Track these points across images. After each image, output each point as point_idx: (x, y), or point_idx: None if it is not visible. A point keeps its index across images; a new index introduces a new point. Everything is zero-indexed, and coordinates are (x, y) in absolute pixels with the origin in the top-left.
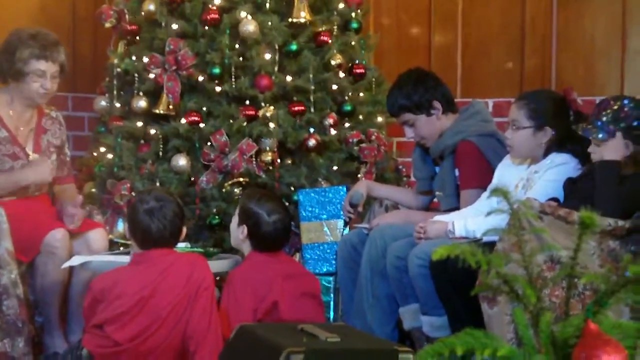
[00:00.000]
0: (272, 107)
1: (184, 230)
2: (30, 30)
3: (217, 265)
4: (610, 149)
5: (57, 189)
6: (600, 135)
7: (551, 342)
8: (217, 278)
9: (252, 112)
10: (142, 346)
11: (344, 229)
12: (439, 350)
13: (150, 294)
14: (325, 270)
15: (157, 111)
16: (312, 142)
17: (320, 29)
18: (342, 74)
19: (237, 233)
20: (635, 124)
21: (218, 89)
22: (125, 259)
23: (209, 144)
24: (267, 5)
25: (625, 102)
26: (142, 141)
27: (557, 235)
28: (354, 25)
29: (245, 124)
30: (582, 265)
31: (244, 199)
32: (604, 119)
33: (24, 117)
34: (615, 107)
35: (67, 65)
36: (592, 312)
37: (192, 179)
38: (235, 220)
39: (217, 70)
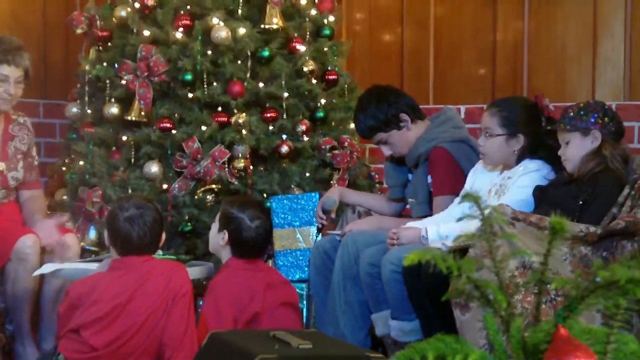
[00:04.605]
0: (244, 114)
1: (163, 236)
2: None
3: (190, 272)
4: (574, 146)
5: (25, 195)
6: (568, 127)
7: (522, 348)
8: None
9: (224, 119)
10: (118, 352)
11: (316, 236)
12: (409, 356)
13: (127, 299)
14: (297, 277)
15: (128, 118)
16: (284, 149)
17: (293, 36)
18: (314, 81)
19: (217, 239)
20: (601, 114)
21: (190, 95)
22: (97, 266)
23: (181, 150)
24: (239, 11)
25: (591, 101)
26: (113, 148)
27: (529, 242)
28: (326, 31)
29: (217, 130)
30: (553, 271)
31: (226, 205)
32: (572, 113)
33: None
34: (582, 105)
35: (31, 71)
36: (562, 318)
37: (164, 185)
38: (215, 226)
39: (189, 77)
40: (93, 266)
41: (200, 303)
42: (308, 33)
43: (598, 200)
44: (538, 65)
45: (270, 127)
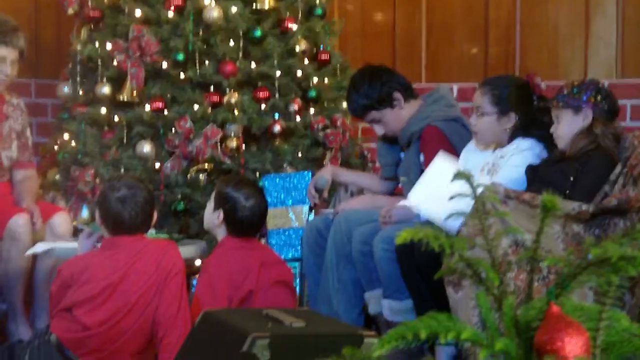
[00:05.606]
0: (236, 93)
1: (155, 216)
2: None
3: (183, 251)
4: (565, 123)
5: (19, 175)
6: (561, 104)
7: (514, 325)
8: None
9: (216, 99)
10: (111, 331)
11: (309, 215)
12: (402, 334)
13: (119, 279)
14: (290, 255)
15: (121, 98)
16: (277, 128)
17: (285, 15)
18: (306, 60)
19: (213, 218)
20: (594, 92)
21: (182, 75)
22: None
23: (173, 130)
24: None
25: (586, 80)
26: (106, 128)
27: (521, 220)
28: (319, 11)
29: (209, 110)
30: (546, 249)
31: (221, 184)
32: (566, 91)
33: None
34: (576, 83)
35: (26, 51)
36: (554, 295)
37: (157, 165)
38: (210, 205)
39: (181, 57)
40: None
41: (194, 282)
42: (300, 12)
43: (587, 176)
44: (530, 44)
45: (263, 107)
